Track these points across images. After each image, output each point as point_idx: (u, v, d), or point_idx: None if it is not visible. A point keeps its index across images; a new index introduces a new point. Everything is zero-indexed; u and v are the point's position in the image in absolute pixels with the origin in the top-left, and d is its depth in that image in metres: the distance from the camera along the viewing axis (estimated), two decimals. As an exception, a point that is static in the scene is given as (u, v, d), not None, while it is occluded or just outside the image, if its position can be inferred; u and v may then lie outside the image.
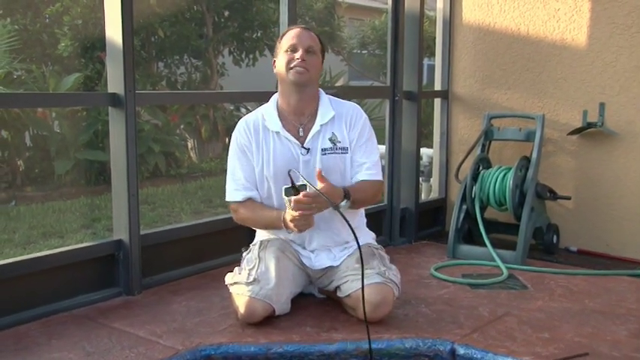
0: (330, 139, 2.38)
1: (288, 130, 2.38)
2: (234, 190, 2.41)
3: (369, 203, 2.53)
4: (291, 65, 2.32)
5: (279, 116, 2.40)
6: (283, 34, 2.41)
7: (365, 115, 2.47)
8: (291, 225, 2.25)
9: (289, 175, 2.22)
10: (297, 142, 2.37)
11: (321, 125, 2.38)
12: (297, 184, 2.20)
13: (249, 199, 2.40)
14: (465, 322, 2.30)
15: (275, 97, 2.46)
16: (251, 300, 2.22)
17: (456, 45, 3.77)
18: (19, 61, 7.31)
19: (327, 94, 2.49)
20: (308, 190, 2.17)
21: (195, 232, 2.87)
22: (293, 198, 2.18)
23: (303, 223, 2.23)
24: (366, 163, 2.40)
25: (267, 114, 2.41)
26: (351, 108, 2.46)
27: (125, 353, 2.01)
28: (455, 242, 3.28)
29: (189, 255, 2.83)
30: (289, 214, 2.22)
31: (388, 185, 3.46)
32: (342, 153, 2.38)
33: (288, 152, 2.37)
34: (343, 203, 2.25)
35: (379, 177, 2.44)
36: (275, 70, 2.41)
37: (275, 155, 2.36)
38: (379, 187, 2.48)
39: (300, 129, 2.39)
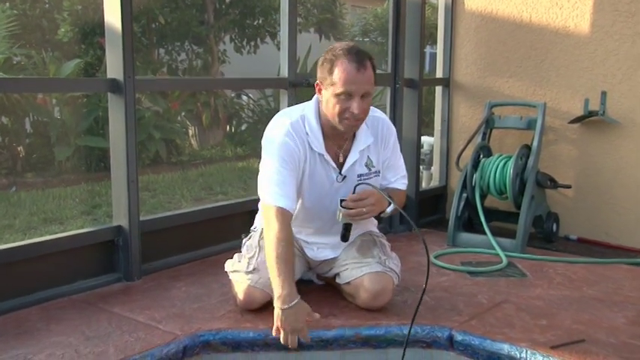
0: (366, 165, 2.32)
1: (329, 153, 2.26)
2: (276, 194, 2.11)
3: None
4: (345, 117, 2.11)
5: (323, 137, 2.24)
6: (334, 64, 2.09)
7: (394, 130, 2.40)
8: (282, 323, 1.97)
9: (354, 189, 2.20)
10: (335, 167, 2.27)
11: (360, 152, 2.29)
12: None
13: (289, 215, 2.13)
14: (463, 309, 2.31)
15: (316, 109, 2.22)
16: (250, 288, 2.22)
17: (457, 32, 3.75)
18: (18, 47, 7.28)
19: None
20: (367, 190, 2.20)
21: (194, 218, 2.87)
22: (350, 196, 2.18)
23: (289, 339, 1.96)
24: (397, 177, 2.42)
25: (311, 131, 2.21)
26: (384, 127, 2.35)
27: (125, 338, 2.02)
28: (455, 230, 3.29)
29: (188, 241, 2.83)
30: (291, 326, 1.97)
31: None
32: (374, 176, 2.34)
33: (324, 176, 2.26)
34: (389, 210, 2.28)
35: (405, 187, 2.46)
36: (320, 100, 2.19)
37: (314, 176, 2.25)
38: (404, 194, 2.49)
39: (340, 154, 2.29)
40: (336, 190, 2.27)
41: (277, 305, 2.00)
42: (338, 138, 2.25)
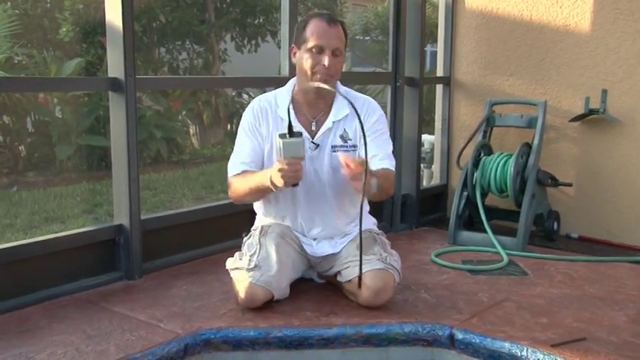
0: (341, 136, 2.34)
1: (300, 122, 2.31)
2: (234, 165, 2.33)
3: (385, 191, 2.32)
4: (316, 70, 2.22)
5: (294, 106, 2.31)
6: (307, 23, 2.26)
7: (380, 112, 2.39)
8: (278, 178, 2.07)
9: (289, 125, 2.09)
10: (308, 135, 2.31)
11: (334, 122, 2.33)
12: (295, 130, 2.11)
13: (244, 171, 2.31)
14: (464, 308, 2.31)
15: (292, 83, 2.38)
16: (251, 286, 2.22)
17: (458, 31, 3.75)
18: (20, 46, 7.29)
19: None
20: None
21: (195, 217, 2.88)
22: (345, 157, 2.05)
23: (292, 175, 2.07)
24: (378, 154, 2.32)
25: (280, 101, 2.34)
26: (366, 104, 2.37)
27: (126, 336, 2.02)
28: (455, 228, 3.29)
29: (189, 240, 2.83)
30: (280, 162, 2.07)
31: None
32: (352, 150, 2.34)
33: None
34: (373, 182, 2.16)
35: (392, 168, 2.34)
36: (295, 61, 2.32)
37: None
38: (392, 177, 2.35)
39: (313, 123, 2.34)
40: (311, 160, 2.31)
41: (273, 172, 2.11)
42: (312, 107, 2.34)
